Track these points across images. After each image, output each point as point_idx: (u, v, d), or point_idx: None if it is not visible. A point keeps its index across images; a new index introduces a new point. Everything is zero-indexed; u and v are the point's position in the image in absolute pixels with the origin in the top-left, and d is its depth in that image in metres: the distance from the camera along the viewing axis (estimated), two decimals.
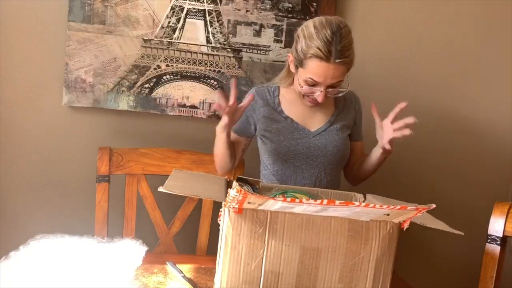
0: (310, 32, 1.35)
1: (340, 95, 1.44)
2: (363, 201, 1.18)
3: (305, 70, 1.38)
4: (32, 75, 1.79)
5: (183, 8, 1.79)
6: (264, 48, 1.84)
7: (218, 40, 1.82)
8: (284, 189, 1.27)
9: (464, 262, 2.06)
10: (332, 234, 0.99)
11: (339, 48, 1.32)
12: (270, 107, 1.51)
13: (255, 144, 1.59)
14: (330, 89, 1.39)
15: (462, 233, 1.02)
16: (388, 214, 0.96)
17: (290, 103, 1.52)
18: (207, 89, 1.84)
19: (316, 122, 1.52)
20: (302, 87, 1.41)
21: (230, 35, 1.82)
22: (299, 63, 1.39)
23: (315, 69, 1.35)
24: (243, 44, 1.84)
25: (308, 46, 1.35)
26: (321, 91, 1.38)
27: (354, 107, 1.58)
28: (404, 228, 1.02)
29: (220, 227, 1.01)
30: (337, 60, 1.32)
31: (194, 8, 1.80)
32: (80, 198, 1.85)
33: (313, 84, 1.38)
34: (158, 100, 1.83)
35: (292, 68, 1.46)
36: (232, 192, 0.91)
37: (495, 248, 1.28)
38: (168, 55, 1.80)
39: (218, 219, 1.03)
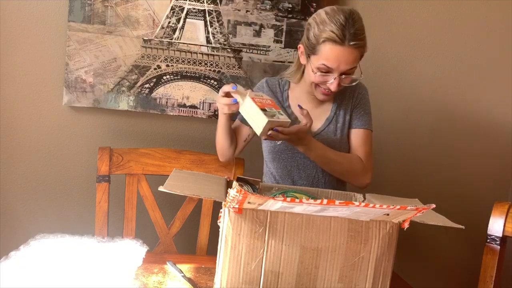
0: (323, 18, 1.33)
1: (354, 83, 1.40)
2: (363, 201, 1.18)
3: (318, 56, 1.34)
4: (32, 75, 1.79)
5: (183, 8, 1.79)
6: (264, 48, 1.84)
7: (218, 40, 1.82)
8: (284, 189, 1.27)
9: (464, 262, 2.06)
10: (332, 234, 0.99)
11: (352, 32, 1.29)
12: (277, 100, 1.49)
13: (257, 144, 1.59)
14: (343, 76, 1.35)
15: (463, 227, 1.02)
16: (388, 214, 0.96)
17: (297, 100, 1.48)
18: (207, 89, 1.84)
19: (316, 121, 1.46)
20: (315, 73, 1.36)
21: (230, 35, 1.82)
22: (312, 50, 1.35)
23: (328, 53, 1.31)
24: (243, 44, 1.84)
25: (321, 30, 1.31)
26: (334, 78, 1.34)
27: (352, 96, 1.50)
28: (405, 228, 1.02)
29: (220, 227, 1.01)
30: (352, 43, 1.29)
31: (194, 8, 1.80)
32: (80, 198, 1.85)
33: (327, 71, 1.34)
34: (158, 100, 1.83)
35: (303, 60, 1.42)
36: (232, 192, 0.91)
37: (495, 248, 1.29)
38: (168, 55, 1.80)
39: (218, 221, 1.03)
